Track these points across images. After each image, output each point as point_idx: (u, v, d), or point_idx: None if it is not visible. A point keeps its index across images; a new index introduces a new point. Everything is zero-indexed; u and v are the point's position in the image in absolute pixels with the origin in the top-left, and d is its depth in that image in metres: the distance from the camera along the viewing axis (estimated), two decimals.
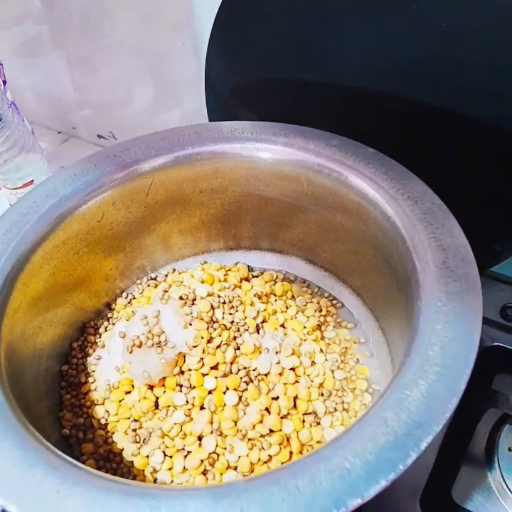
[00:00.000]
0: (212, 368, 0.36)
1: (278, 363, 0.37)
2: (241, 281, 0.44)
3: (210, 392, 0.35)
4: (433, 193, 0.34)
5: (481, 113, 0.38)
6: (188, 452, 0.34)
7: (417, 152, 0.38)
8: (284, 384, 0.36)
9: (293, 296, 0.44)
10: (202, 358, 0.35)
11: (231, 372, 0.36)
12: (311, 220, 0.42)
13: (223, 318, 0.38)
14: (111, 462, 0.35)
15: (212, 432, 0.34)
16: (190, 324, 0.36)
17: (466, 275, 0.29)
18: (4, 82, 0.56)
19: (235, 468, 0.33)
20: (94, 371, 0.40)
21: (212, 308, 0.38)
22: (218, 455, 0.34)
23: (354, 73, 0.42)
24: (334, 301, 0.44)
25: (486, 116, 0.38)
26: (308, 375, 0.38)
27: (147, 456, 0.34)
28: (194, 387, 0.35)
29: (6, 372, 0.30)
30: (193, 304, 0.38)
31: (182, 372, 0.36)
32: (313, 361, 0.38)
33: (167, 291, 0.39)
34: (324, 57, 0.43)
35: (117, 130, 0.70)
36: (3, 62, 0.55)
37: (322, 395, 0.37)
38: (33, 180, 0.54)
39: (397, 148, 0.37)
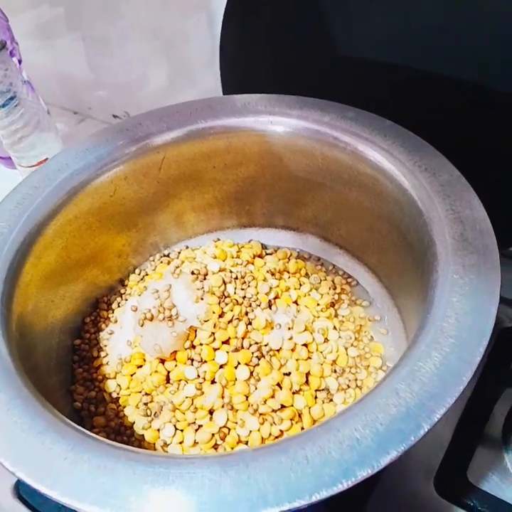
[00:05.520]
0: (223, 343, 0.35)
1: (290, 338, 0.36)
2: (254, 258, 0.43)
3: (221, 367, 0.35)
4: (451, 165, 0.33)
5: (507, 87, 0.37)
6: (199, 426, 0.34)
7: (440, 126, 0.37)
8: (296, 360, 0.36)
9: (307, 274, 0.43)
10: (213, 333, 0.35)
11: (242, 347, 0.35)
12: (326, 196, 0.42)
13: (235, 293, 0.37)
14: (122, 436, 0.35)
15: (223, 406, 0.34)
16: (202, 299, 0.36)
17: (485, 247, 0.29)
18: (20, 61, 0.56)
19: (246, 443, 0.33)
20: (106, 346, 0.40)
21: (224, 283, 0.37)
22: (229, 429, 0.33)
23: (376, 47, 0.41)
24: (349, 279, 0.43)
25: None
26: (321, 352, 0.37)
27: (158, 430, 0.34)
28: (205, 362, 0.35)
29: (18, 346, 0.30)
30: (205, 278, 0.37)
31: (193, 347, 0.35)
32: (326, 338, 0.38)
33: (179, 267, 0.39)
34: (344, 32, 0.42)
35: (133, 110, 0.70)
36: (20, 43, 0.55)
37: (335, 371, 0.37)
38: (47, 159, 0.54)
39: (420, 121, 0.36)
